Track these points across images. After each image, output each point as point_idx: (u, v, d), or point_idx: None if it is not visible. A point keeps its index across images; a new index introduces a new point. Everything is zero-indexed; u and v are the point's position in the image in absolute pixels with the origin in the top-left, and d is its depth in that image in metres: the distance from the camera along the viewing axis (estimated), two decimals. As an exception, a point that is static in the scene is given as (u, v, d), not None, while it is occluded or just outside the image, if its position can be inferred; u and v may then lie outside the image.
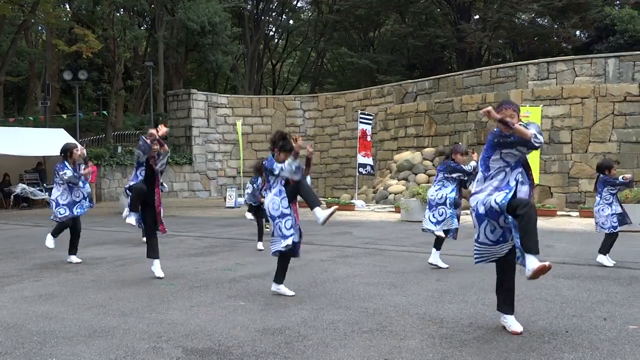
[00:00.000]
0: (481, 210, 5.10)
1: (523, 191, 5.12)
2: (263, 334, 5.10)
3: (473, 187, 5.28)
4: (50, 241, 9.32)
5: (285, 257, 6.63)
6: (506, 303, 5.21)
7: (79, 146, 9.49)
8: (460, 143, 9.18)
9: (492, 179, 5.10)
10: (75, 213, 9.25)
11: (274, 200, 6.54)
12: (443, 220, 8.52)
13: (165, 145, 7.83)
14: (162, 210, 7.95)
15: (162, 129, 7.71)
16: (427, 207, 8.75)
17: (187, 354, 4.59)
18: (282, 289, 6.64)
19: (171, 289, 7.03)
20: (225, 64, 37.11)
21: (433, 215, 8.62)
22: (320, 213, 6.47)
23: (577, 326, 5.33)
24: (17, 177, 23.23)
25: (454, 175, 8.47)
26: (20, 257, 9.72)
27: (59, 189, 9.22)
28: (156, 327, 5.33)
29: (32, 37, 40.27)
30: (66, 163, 9.14)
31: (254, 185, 11.25)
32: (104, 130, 33.13)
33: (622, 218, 8.79)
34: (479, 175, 5.24)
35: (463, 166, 8.39)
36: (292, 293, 6.59)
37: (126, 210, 12.01)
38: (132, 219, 7.94)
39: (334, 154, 30.13)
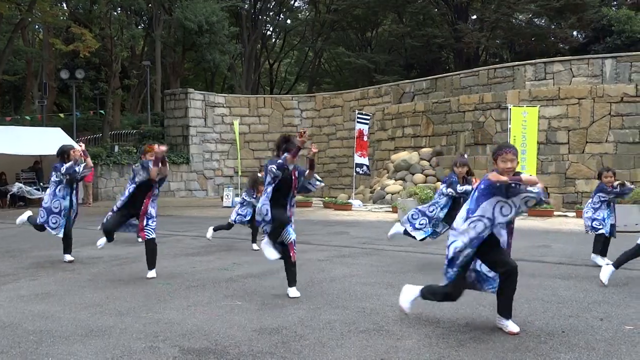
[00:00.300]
0: (450, 253, 5.14)
1: (501, 234, 5.17)
2: (260, 334, 5.10)
3: (456, 221, 5.27)
4: (20, 218, 9.45)
5: (284, 260, 6.62)
6: (506, 309, 5.23)
7: (76, 145, 9.45)
8: (465, 155, 9.01)
9: (471, 223, 5.05)
10: (49, 226, 9.08)
11: (258, 208, 6.55)
12: (420, 229, 8.60)
13: (167, 166, 7.86)
14: (147, 219, 7.81)
15: (163, 147, 7.66)
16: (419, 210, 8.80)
17: (184, 354, 4.59)
18: (290, 291, 6.59)
19: (168, 289, 7.03)
20: (222, 64, 37.08)
21: (419, 222, 8.67)
22: (268, 250, 6.53)
23: (574, 326, 5.34)
24: (14, 176, 23.18)
25: (449, 190, 8.44)
26: (16, 256, 9.71)
27: (49, 191, 9.18)
28: (153, 327, 5.32)
29: (29, 35, 40.20)
30: (64, 164, 9.13)
31: (248, 198, 10.58)
32: (101, 129, 33.07)
33: (612, 229, 8.82)
34: (464, 212, 5.19)
35: (457, 186, 8.33)
36: (292, 295, 6.53)
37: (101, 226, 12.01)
38: (101, 241, 8.20)
39: (331, 153, 30.12)
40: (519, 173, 5.10)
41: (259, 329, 5.26)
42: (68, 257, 9.18)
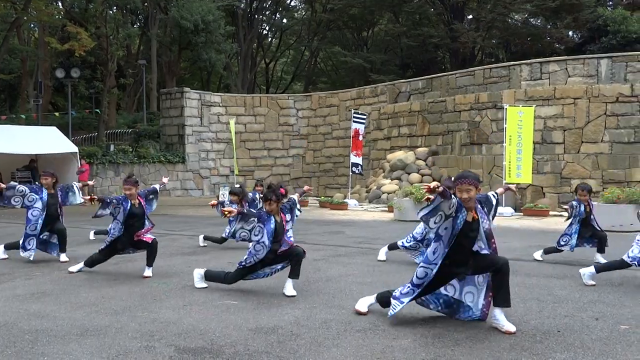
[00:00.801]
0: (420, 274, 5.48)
1: (482, 247, 5.40)
2: (256, 333, 5.09)
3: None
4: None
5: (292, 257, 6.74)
6: (503, 298, 5.28)
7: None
8: (452, 178, 8.80)
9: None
10: (23, 246, 9.03)
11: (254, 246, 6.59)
12: (410, 248, 8.58)
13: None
14: (144, 234, 7.92)
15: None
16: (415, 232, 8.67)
17: (180, 353, 4.58)
18: (287, 284, 6.68)
19: (164, 288, 7.02)
20: (218, 63, 37.05)
21: (407, 239, 8.64)
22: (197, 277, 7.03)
23: (569, 326, 5.35)
24: (9, 175, 23.13)
25: None
26: (12, 255, 9.66)
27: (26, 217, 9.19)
28: (148, 326, 5.32)
29: (24, 34, 40.10)
30: (44, 189, 9.16)
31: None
32: (96, 128, 33.02)
33: (585, 242, 8.95)
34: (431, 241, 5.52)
35: None
36: (289, 293, 6.58)
37: (92, 234, 11.95)
38: (78, 266, 8.14)
39: (327, 153, 30.13)
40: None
41: (254, 328, 5.26)
42: (63, 257, 9.16)
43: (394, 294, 5.55)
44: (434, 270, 5.30)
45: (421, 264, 5.41)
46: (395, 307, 5.42)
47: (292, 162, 30.87)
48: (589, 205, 8.93)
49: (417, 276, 5.39)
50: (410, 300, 5.42)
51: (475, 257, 5.34)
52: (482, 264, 5.32)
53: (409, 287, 5.46)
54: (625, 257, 7.01)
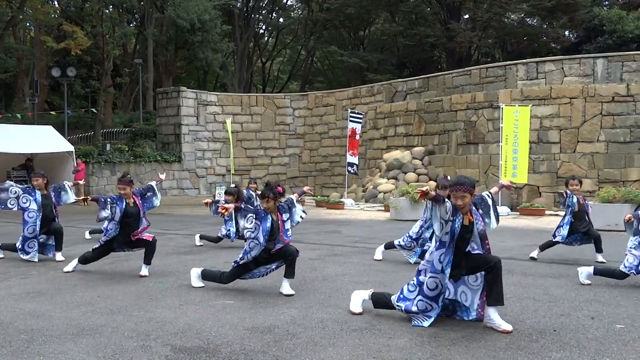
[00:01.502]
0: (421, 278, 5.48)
1: (474, 247, 5.47)
2: (252, 333, 5.09)
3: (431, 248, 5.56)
4: None
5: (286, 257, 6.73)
6: (496, 297, 5.31)
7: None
8: (448, 177, 8.87)
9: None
10: (25, 250, 9.07)
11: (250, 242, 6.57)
12: (405, 247, 8.61)
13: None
14: (141, 233, 7.88)
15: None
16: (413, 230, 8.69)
17: (176, 352, 4.57)
18: (283, 284, 6.68)
19: (160, 287, 7.01)
20: (214, 62, 37.00)
21: (403, 238, 8.67)
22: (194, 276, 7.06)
23: (565, 325, 5.36)
24: (5, 175, 23.06)
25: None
26: (7, 254, 9.64)
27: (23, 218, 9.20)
28: (145, 325, 5.31)
29: (20, 33, 40.01)
30: (37, 190, 9.17)
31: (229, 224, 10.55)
32: (92, 127, 32.94)
33: (579, 236, 9.00)
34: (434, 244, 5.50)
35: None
36: (286, 292, 6.60)
37: (87, 233, 11.95)
38: (72, 265, 8.10)
39: (323, 152, 30.11)
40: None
41: (251, 327, 5.25)
42: (59, 256, 9.15)
43: (406, 307, 5.43)
44: (446, 280, 5.30)
45: (429, 274, 5.34)
46: (422, 321, 5.33)
47: (288, 161, 30.85)
48: (582, 197, 8.96)
49: (428, 288, 5.32)
50: (437, 315, 5.37)
51: (468, 258, 5.38)
52: (475, 264, 5.36)
53: (424, 301, 5.35)
54: (622, 268, 7.03)
